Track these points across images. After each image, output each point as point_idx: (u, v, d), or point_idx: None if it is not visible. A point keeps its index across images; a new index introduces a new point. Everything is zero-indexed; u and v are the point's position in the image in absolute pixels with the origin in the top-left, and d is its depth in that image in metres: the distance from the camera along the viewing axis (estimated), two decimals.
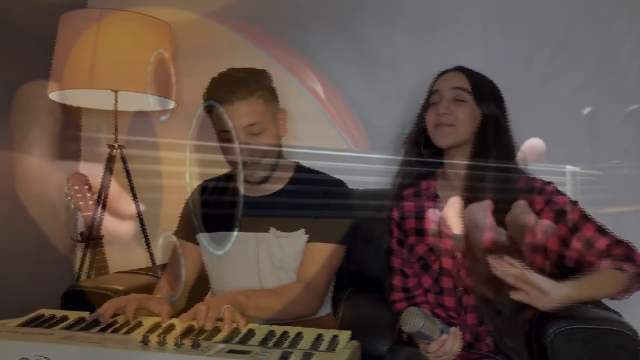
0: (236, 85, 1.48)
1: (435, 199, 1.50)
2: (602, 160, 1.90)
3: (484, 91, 1.46)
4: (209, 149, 1.65)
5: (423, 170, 1.54)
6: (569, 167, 1.84)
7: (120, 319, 1.33)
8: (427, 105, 1.52)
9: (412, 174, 1.55)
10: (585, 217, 1.37)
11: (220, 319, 1.26)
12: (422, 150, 1.54)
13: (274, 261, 1.55)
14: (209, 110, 1.53)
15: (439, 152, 1.52)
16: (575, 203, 1.39)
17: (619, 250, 1.32)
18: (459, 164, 1.47)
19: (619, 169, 1.89)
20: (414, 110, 1.78)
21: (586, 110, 1.91)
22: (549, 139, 1.43)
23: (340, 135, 2.18)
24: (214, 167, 1.74)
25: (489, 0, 2.03)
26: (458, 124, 1.44)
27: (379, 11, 2.15)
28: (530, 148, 1.42)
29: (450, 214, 1.46)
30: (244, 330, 1.24)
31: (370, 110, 2.15)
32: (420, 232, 1.49)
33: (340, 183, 1.63)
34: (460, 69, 1.50)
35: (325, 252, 1.54)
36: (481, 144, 1.44)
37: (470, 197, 1.41)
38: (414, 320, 1.22)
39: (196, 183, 1.76)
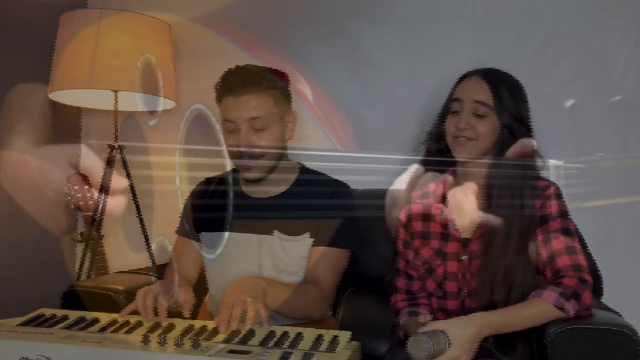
0: (249, 79, 1.49)
1: (444, 202, 1.49)
2: (586, 154, 1.90)
3: (506, 103, 1.40)
4: (208, 152, 1.66)
5: (434, 171, 1.52)
6: (552, 162, 1.84)
7: (121, 319, 1.33)
8: (447, 108, 1.48)
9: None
10: (563, 231, 1.35)
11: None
12: (443, 147, 1.50)
13: (276, 264, 1.54)
14: (219, 99, 1.53)
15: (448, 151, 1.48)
16: (564, 213, 1.38)
17: (570, 281, 1.28)
18: (470, 170, 1.45)
19: (604, 162, 1.89)
20: (404, 111, 1.79)
21: (570, 105, 1.92)
22: (535, 136, 1.44)
23: (326, 136, 2.18)
24: (212, 170, 1.75)
25: (475, 0, 2.03)
26: (478, 139, 1.40)
27: (367, 13, 2.16)
28: (522, 147, 1.41)
29: (458, 217, 1.46)
30: (244, 331, 1.24)
31: (359, 111, 2.16)
32: (427, 235, 1.49)
33: (344, 185, 1.63)
34: (483, 75, 1.43)
35: (334, 256, 1.55)
36: (500, 153, 1.41)
37: (483, 201, 1.41)
38: (422, 349, 1.17)
39: (195, 183, 1.75)
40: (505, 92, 1.41)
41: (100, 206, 2.20)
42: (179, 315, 1.36)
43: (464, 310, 1.42)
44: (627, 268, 1.87)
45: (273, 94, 1.51)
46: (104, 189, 2.20)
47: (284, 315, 1.46)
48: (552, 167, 1.83)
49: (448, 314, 1.45)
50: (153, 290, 1.36)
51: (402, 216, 1.54)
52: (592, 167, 1.89)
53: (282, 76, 1.57)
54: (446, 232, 1.46)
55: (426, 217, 1.50)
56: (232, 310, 1.25)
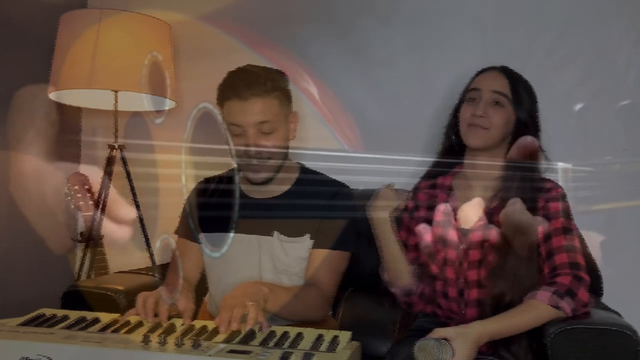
0: (253, 81, 1.46)
1: (449, 193, 1.53)
2: (594, 157, 1.91)
3: (522, 97, 1.46)
4: (209, 150, 1.65)
5: (443, 165, 1.56)
6: (560, 164, 1.84)
7: (121, 319, 1.33)
8: (462, 101, 1.52)
9: (435, 167, 1.58)
10: (564, 230, 1.37)
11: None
12: (453, 142, 1.54)
13: (276, 265, 1.54)
14: (222, 102, 1.51)
15: (461, 150, 1.53)
16: (567, 214, 1.40)
17: (565, 279, 1.30)
18: (479, 163, 1.48)
19: (612, 165, 1.90)
20: (412, 110, 1.79)
21: (578, 107, 1.92)
22: (542, 136, 1.47)
23: (334, 136, 2.18)
24: (214, 169, 1.74)
25: (484, 1, 2.03)
26: (492, 128, 1.44)
27: (374, 12, 2.16)
28: (523, 146, 1.44)
29: (462, 208, 1.48)
30: (244, 331, 1.24)
31: (366, 111, 2.16)
32: (430, 222, 1.52)
33: (343, 186, 1.62)
34: (502, 70, 1.49)
35: (335, 258, 1.55)
36: (510, 146, 1.46)
37: (488, 196, 1.45)
38: (430, 354, 1.17)
39: (195, 184, 1.74)
40: (522, 88, 1.48)
41: (101, 206, 2.20)
42: (179, 315, 1.36)
43: (463, 301, 1.45)
44: (628, 268, 1.87)
45: (278, 96, 1.50)
46: (104, 189, 2.20)
47: (285, 318, 1.46)
48: (561, 170, 1.84)
49: (449, 301, 1.47)
50: (153, 295, 1.36)
51: (410, 205, 1.56)
52: (600, 171, 1.89)
53: (281, 76, 1.56)
54: (449, 220, 1.49)
55: (432, 205, 1.53)
56: (233, 312, 1.25)
